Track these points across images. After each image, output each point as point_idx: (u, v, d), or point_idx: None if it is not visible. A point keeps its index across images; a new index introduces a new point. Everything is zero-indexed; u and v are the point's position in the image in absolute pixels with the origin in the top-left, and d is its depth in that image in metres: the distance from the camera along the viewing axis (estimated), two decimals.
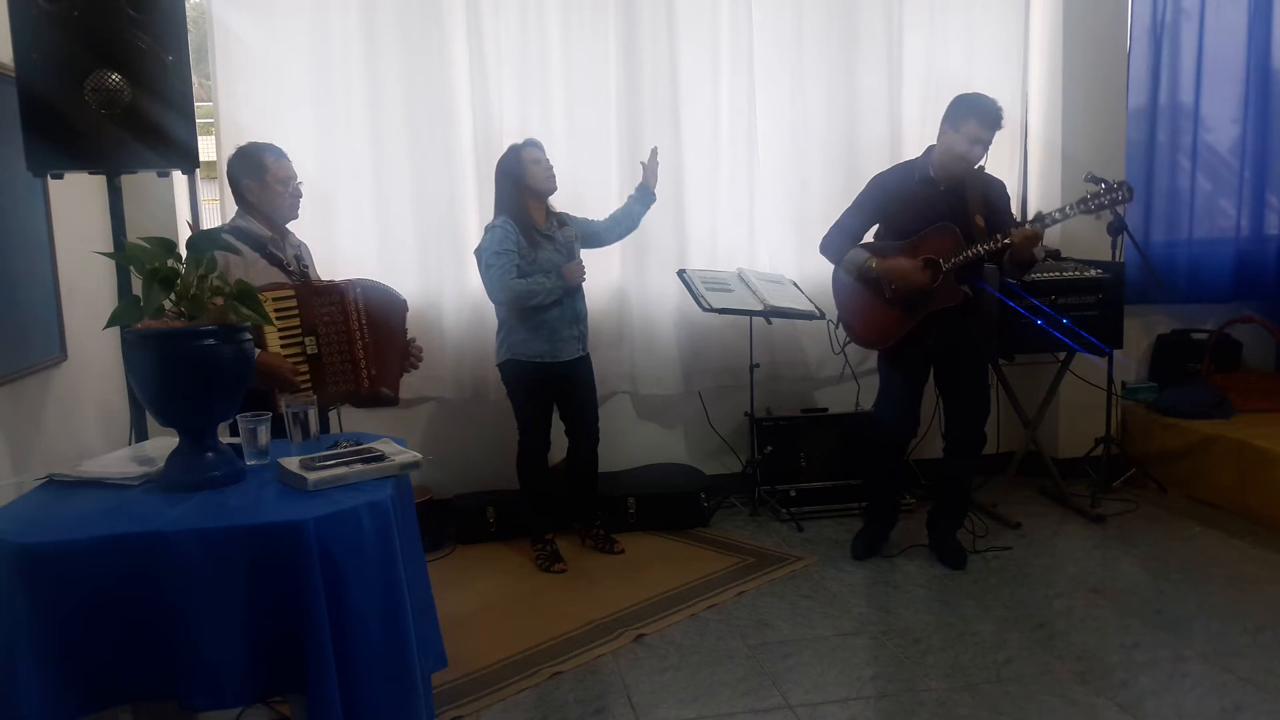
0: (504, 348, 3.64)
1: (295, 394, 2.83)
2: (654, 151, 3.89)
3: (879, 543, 3.79)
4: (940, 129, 3.42)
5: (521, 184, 3.56)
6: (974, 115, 3.31)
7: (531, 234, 3.54)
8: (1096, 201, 3.32)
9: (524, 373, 3.62)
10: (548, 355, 3.60)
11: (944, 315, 3.38)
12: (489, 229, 3.57)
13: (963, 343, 3.48)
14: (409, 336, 3.21)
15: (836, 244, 3.54)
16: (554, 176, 3.62)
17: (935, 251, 3.36)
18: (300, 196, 3.05)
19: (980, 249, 3.31)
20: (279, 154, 3.00)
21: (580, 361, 3.73)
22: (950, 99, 3.42)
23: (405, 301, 3.20)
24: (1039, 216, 3.37)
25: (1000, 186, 3.54)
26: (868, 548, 3.76)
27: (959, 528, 3.74)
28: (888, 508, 3.80)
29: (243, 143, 3.04)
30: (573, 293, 3.64)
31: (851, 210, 3.57)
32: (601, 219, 3.91)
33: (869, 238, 3.60)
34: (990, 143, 3.35)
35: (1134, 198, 3.41)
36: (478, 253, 3.61)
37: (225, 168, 3.15)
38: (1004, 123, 3.35)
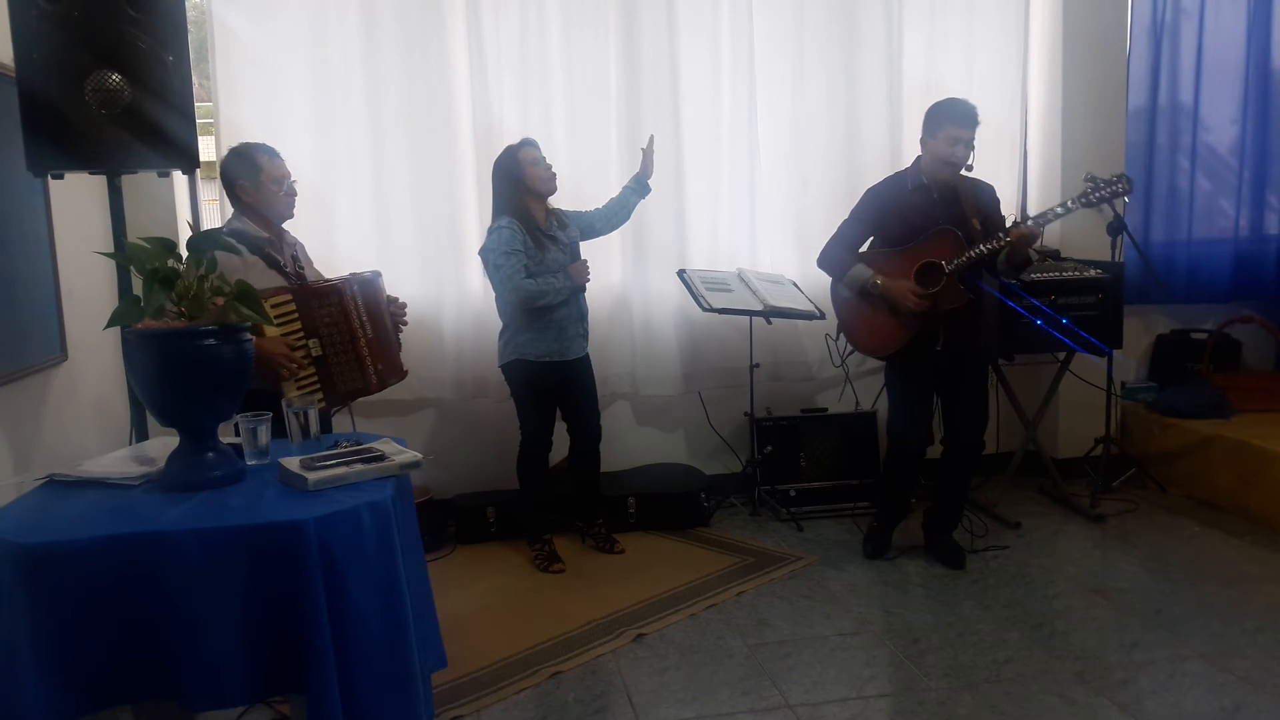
0: (510, 348, 3.62)
1: (303, 394, 2.83)
2: (650, 139, 3.87)
3: (889, 544, 3.80)
4: (921, 140, 3.45)
5: (522, 185, 3.55)
6: (948, 119, 3.35)
7: (536, 235, 3.53)
8: (1098, 195, 3.34)
9: (531, 373, 3.61)
10: (556, 354, 3.60)
11: (950, 318, 3.39)
12: (493, 230, 3.55)
13: (969, 347, 3.49)
14: (392, 297, 3.20)
15: (836, 258, 3.55)
16: (554, 176, 3.61)
17: (936, 255, 3.37)
18: (295, 195, 3.04)
19: (983, 249, 3.31)
20: (272, 153, 2.99)
21: (584, 359, 3.74)
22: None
23: (379, 273, 3.18)
24: (1041, 215, 3.40)
25: (989, 190, 3.54)
26: (879, 548, 3.76)
27: (954, 529, 3.75)
28: (901, 510, 3.81)
29: (236, 144, 3.03)
30: (577, 291, 3.64)
31: (849, 223, 3.57)
32: (595, 209, 3.91)
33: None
34: (972, 140, 3.36)
35: (1134, 189, 3.39)
36: (483, 253, 3.60)
37: (219, 169, 3.14)
38: (979, 118, 3.37)
